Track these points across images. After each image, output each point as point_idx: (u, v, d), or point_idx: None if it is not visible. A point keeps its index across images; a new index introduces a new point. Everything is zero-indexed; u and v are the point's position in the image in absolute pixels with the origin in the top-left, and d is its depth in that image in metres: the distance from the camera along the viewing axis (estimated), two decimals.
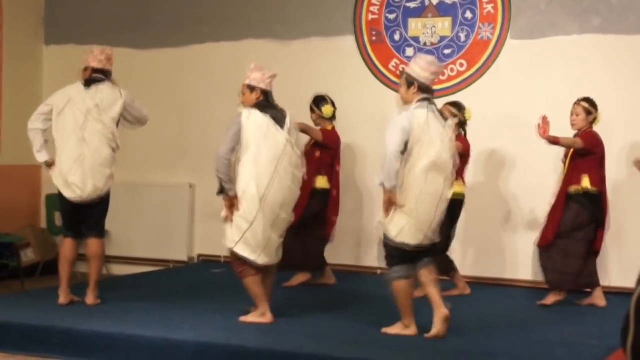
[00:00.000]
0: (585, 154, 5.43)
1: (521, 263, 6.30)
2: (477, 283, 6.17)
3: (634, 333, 2.02)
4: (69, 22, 7.73)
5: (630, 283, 5.83)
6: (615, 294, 5.79)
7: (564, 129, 5.68)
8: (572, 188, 5.46)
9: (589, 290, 5.62)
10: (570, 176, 5.46)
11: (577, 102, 5.53)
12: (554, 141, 5.41)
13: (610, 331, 3.92)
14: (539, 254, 5.60)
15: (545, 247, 5.50)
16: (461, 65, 6.53)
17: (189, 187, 7.11)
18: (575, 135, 5.56)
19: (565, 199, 5.47)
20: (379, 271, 6.59)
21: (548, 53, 6.28)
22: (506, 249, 6.37)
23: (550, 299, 5.54)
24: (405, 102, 4.46)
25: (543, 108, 6.10)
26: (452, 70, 6.55)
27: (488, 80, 6.35)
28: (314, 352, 4.18)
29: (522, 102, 6.26)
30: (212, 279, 6.28)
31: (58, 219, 7.46)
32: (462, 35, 6.50)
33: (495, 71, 6.40)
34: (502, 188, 6.40)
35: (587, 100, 5.53)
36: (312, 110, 6.00)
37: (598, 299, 5.59)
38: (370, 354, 4.17)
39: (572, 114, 5.52)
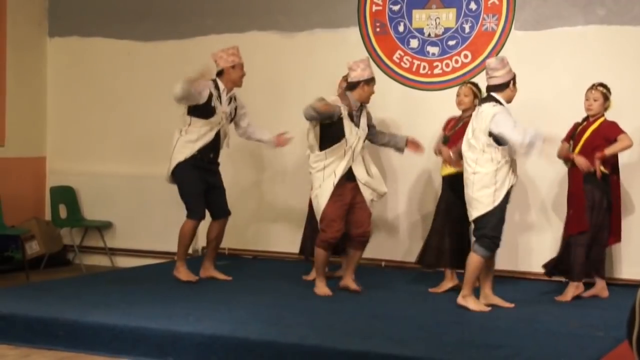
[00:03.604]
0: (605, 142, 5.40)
1: (534, 255, 6.26)
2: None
3: (639, 325, 2.01)
4: (73, 14, 7.72)
5: (635, 275, 5.90)
6: (621, 286, 5.78)
7: (570, 121, 5.66)
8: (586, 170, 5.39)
9: (592, 281, 5.59)
10: (585, 157, 5.38)
11: (595, 87, 5.47)
12: (608, 156, 5.37)
13: (616, 323, 3.93)
14: (565, 245, 5.49)
15: (578, 233, 5.38)
16: (466, 56, 6.52)
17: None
18: (585, 120, 5.51)
19: (581, 182, 5.40)
20: (383, 264, 6.63)
21: (553, 44, 6.27)
22: (513, 241, 6.33)
23: (570, 294, 5.45)
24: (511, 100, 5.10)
25: (548, 99, 6.13)
26: (456, 62, 6.53)
27: None
28: (319, 345, 4.19)
29: (527, 93, 6.15)
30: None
31: (63, 212, 7.50)
32: (467, 27, 6.48)
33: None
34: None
35: (604, 85, 5.49)
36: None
37: (602, 290, 5.58)
38: (375, 346, 4.17)
39: (588, 99, 5.46)
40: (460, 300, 5.06)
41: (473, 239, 5.14)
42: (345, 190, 5.42)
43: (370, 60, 5.61)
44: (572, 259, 5.42)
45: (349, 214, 5.49)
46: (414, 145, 5.68)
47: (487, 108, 4.99)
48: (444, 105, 6.16)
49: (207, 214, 6.03)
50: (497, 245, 5.03)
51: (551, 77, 6.21)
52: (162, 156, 7.28)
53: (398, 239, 6.70)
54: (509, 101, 5.09)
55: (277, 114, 6.86)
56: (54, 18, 7.76)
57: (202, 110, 5.77)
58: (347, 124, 5.38)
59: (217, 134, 5.84)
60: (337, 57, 6.73)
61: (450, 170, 5.52)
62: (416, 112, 6.61)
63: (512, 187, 5.05)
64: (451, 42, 6.55)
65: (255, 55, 6.94)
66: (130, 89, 7.56)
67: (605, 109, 5.48)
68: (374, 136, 5.66)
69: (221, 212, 5.98)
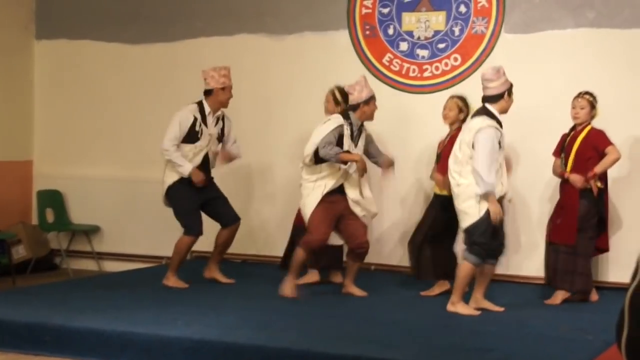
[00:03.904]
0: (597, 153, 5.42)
1: (523, 258, 6.28)
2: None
3: (628, 329, 2.02)
4: (60, 16, 7.69)
5: (624, 278, 5.88)
6: (610, 289, 5.80)
7: (560, 124, 5.68)
8: (583, 186, 5.40)
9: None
10: (579, 172, 5.39)
11: (581, 96, 5.48)
12: (599, 174, 5.37)
13: (606, 327, 3.92)
14: (549, 252, 5.52)
15: (564, 244, 5.40)
16: (455, 59, 6.52)
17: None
18: (572, 130, 5.52)
19: (577, 195, 5.41)
20: (372, 267, 6.63)
21: (543, 47, 6.26)
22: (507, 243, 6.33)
23: (559, 297, 5.47)
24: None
25: (538, 103, 6.14)
26: (446, 65, 6.54)
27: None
28: (309, 349, 4.18)
29: (517, 97, 6.12)
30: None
31: (50, 216, 7.46)
32: (457, 30, 6.48)
33: (490, 66, 6.30)
34: None
35: (591, 94, 5.50)
36: (337, 102, 5.90)
37: (592, 294, 5.59)
38: (365, 350, 4.16)
39: (574, 107, 5.48)
40: (449, 307, 5.07)
41: (462, 248, 5.14)
42: (335, 199, 5.47)
43: (366, 78, 5.65)
44: (558, 266, 5.44)
45: (343, 225, 5.53)
46: (386, 170, 5.70)
47: (476, 122, 5.01)
48: (434, 108, 6.16)
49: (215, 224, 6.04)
50: (489, 253, 5.02)
51: (541, 80, 6.22)
52: (151, 160, 7.29)
53: (387, 242, 6.69)
54: (503, 112, 5.09)
55: (266, 118, 6.86)
56: (42, 20, 7.73)
57: (187, 136, 5.80)
58: (347, 143, 5.44)
59: (206, 156, 5.87)
60: (326, 60, 6.76)
61: (444, 191, 5.52)
62: (406, 115, 6.62)
63: (502, 197, 5.03)
64: (441, 45, 6.55)
65: (244, 58, 6.95)
66: (118, 92, 7.53)
67: (592, 117, 5.49)
68: (380, 159, 5.70)
69: (229, 219, 5.98)
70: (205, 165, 5.88)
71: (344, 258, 5.86)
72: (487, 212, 4.93)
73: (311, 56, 6.88)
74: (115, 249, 7.38)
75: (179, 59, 7.31)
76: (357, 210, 5.51)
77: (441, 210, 5.52)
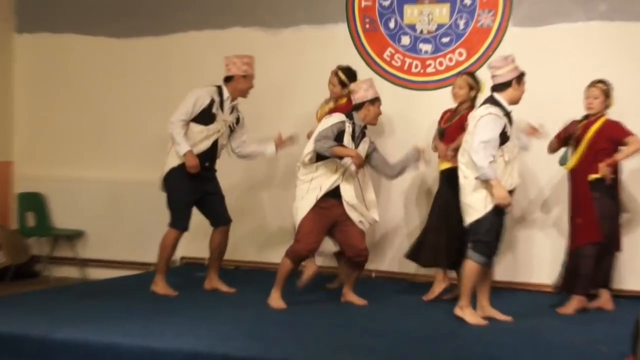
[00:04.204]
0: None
1: (534, 265, 6.29)
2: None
3: None
4: (43, 8, 7.68)
5: None
6: (625, 298, 5.80)
7: (568, 119, 5.65)
8: (593, 177, 5.38)
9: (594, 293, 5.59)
10: (589, 163, 5.38)
11: (594, 85, 5.47)
12: (618, 162, 5.37)
13: (620, 337, 3.92)
14: (571, 256, 5.46)
15: (590, 244, 5.35)
16: (460, 54, 6.53)
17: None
18: (586, 118, 5.50)
19: (587, 187, 5.39)
20: (373, 274, 6.63)
21: (552, 41, 6.27)
22: (511, 249, 6.34)
23: (573, 305, 5.44)
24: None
25: (547, 99, 6.14)
26: (450, 60, 6.55)
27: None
28: None
29: (526, 93, 6.16)
30: (195, 284, 6.23)
31: (31, 220, 7.44)
32: (461, 23, 6.48)
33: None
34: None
35: (604, 82, 5.49)
36: (343, 84, 5.90)
37: (606, 302, 5.58)
38: None
39: (588, 97, 5.47)
40: (457, 311, 5.07)
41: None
42: (330, 205, 5.45)
43: (373, 81, 5.67)
44: (579, 270, 5.40)
45: (338, 232, 5.52)
46: (422, 155, 5.65)
47: (479, 110, 5.04)
48: (438, 105, 6.16)
49: (207, 223, 6.06)
50: (493, 252, 5.02)
51: (550, 76, 6.22)
52: (139, 160, 7.31)
53: (389, 248, 6.69)
54: (513, 101, 5.08)
55: (261, 115, 6.85)
56: (23, 13, 7.72)
57: (201, 116, 5.79)
58: (347, 140, 5.43)
59: (215, 143, 5.87)
60: (324, 55, 6.75)
61: (447, 164, 5.55)
62: (408, 113, 6.62)
63: (512, 191, 5.04)
64: (445, 39, 6.55)
65: (237, 52, 6.89)
66: (104, 88, 7.53)
67: (607, 107, 5.48)
68: (390, 171, 5.65)
69: (220, 219, 6.01)
70: (211, 152, 5.88)
71: (340, 262, 5.86)
72: (494, 209, 4.93)
73: (308, 51, 6.88)
74: (101, 255, 7.37)
75: (169, 54, 7.31)
76: (353, 215, 5.49)
77: (448, 187, 5.48)
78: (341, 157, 5.35)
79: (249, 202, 7.10)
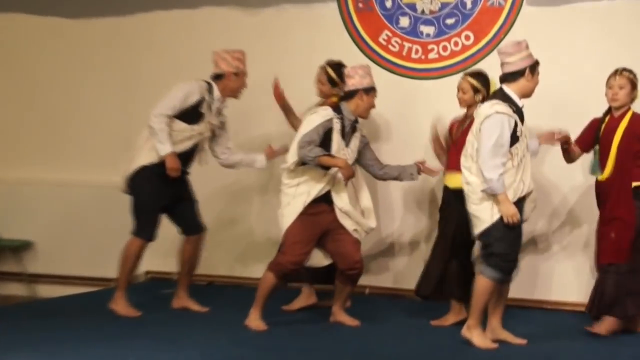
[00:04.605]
0: None
1: (554, 281, 6.29)
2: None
3: None
4: None
5: None
6: None
7: (593, 113, 5.64)
8: (636, 183, 5.35)
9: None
10: (627, 169, 5.34)
11: (619, 73, 5.43)
12: None
13: None
14: (603, 274, 5.42)
15: (619, 263, 5.33)
16: (467, 38, 6.52)
17: None
18: (608, 115, 5.47)
19: (630, 198, 5.35)
20: (367, 290, 6.63)
21: (572, 22, 6.27)
22: (526, 263, 6.32)
23: (606, 326, 5.41)
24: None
25: (567, 88, 6.14)
26: (456, 44, 6.53)
27: None
28: None
29: (542, 81, 6.09)
30: (162, 302, 6.22)
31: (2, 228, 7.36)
32: (468, 2, 6.49)
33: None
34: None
35: (630, 70, 5.47)
36: (333, 83, 5.93)
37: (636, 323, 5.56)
38: None
39: (612, 87, 5.43)
40: (464, 331, 5.06)
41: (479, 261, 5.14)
42: (320, 211, 5.45)
43: (371, 69, 5.65)
44: (606, 289, 5.38)
45: (330, 242, 5.52)
46: (429, 169, 5.71)
47: (484, 107, 5.03)
48: (441, 97, 6.16)
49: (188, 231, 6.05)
50: (509, 265, 5.01)
51: (570, 61, 6.22)
52: (97, 160, 7.27)
53: (385, 260, 6.67)
54: (525, 94, 5.06)
55: (238, 106, 6.78)
56: None
57: (187, 114, 5.78)
58: (336, 140, 5.44)
59: (196, 146, 5.88)
60: (310, 38, 6.74)
61: (458, 182, 5.36)
62: (407, 105, 6.60)
63: (524, 198, 5.02)
64: (449, 21, 6.54)
65: (211, 36, 6.91)
66: (55, 76, 7.48)
67: (632, 99, 5.47)
68: (380, 171, 5.69)
69: (192, 227, 6.01)
70: (190, 156, 5.89)
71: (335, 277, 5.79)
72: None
73: (292, 34, 6.85)
74: (52, 270, 7.31)
75: (130, 37, 7.26)
76: (346, 223, 5.48)
77: (461, 207, 5.32)
78: (328, 168, 5.36)
79: (224, 208, 7.07)
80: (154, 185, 5.76)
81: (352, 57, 6.28)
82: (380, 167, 5.69)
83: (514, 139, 4.94)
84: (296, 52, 6.79)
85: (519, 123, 4.98)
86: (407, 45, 6.65)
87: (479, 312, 5.02)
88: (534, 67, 5.08)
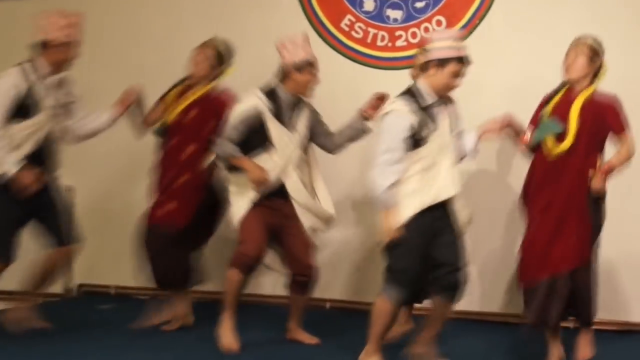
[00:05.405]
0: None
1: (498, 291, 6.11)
2: (480, 321, 6.07)
3: None
4: None
5: None
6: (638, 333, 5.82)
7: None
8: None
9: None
10: (584, 165, 4.87)
11: (577, 41, 4.97)
12: (613, 169, 4.90)
13: None
14: (563, 284, 5.00)
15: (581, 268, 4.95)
16: (439, 23, 6.43)
17: (65, 192, 6.53)
18: (563, 89, 4.98)
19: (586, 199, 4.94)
20: (328, 304, 6.53)
21: (554, 6, 6.16)
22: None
23: (587, 343, 5.08)
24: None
25: (548, 78, 5.79)
26: (426, 30, 6.40)
27: (475, 43, 5.93)
28: None
29: (522, 71, 6.15)
30: (98, 319, 6.14)
31: None
32: None
33: (485, 31, 6.29)
34: (510, 183, 6.12)
35: (595, 39, 5.00)
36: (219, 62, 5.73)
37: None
38: None
39: (568, 57, 4.96)
40: (362, 357, 4.77)
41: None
42: (274, 204, 5.27)
43: (307, 37, 5.43)
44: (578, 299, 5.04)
45: (283, 240, 5.33)
46: (371, 108, 5.32)
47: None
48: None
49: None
50: (401, 282, 4.60)
51: (552, 49, 5.83)
52: None
53: (347, 271, 6.57)
54: (437, 91, 4.62)
55: None
56: None
57: (19, 110, 5.27)
58: (274, 127, 5.21)
59: (45, 138, 5.37)
60: (263, 23, 6.65)
61: None
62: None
63: (442, 205, 4.58)
64: (419, 4, 6.49)
65: (148, 21, 6.87)
66: None
67: (595, 74, 4.98)
68: (333, 144, 5.46)
69: (64, 238, 5.49)
70: (42, 153, 5.38)
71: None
72: (406, 224, 4.53)
73: (242, 18, 6.73)
74: None
75: (22, 20, 6.57)
76: (305, 218, 5.27)
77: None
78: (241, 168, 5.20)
79: None
80: (3, 200, 5.26)
81: (311, 45, 5.95)
82: (332, 141, 5.46)
83: (417, 141, 4.55)
84: (249, 38, 6.60)
85: (428, 122, 4.57)
86: (372, 31, 6.56)
87: (376, 337, 4.70)
88: (446, 61, 4.58)
